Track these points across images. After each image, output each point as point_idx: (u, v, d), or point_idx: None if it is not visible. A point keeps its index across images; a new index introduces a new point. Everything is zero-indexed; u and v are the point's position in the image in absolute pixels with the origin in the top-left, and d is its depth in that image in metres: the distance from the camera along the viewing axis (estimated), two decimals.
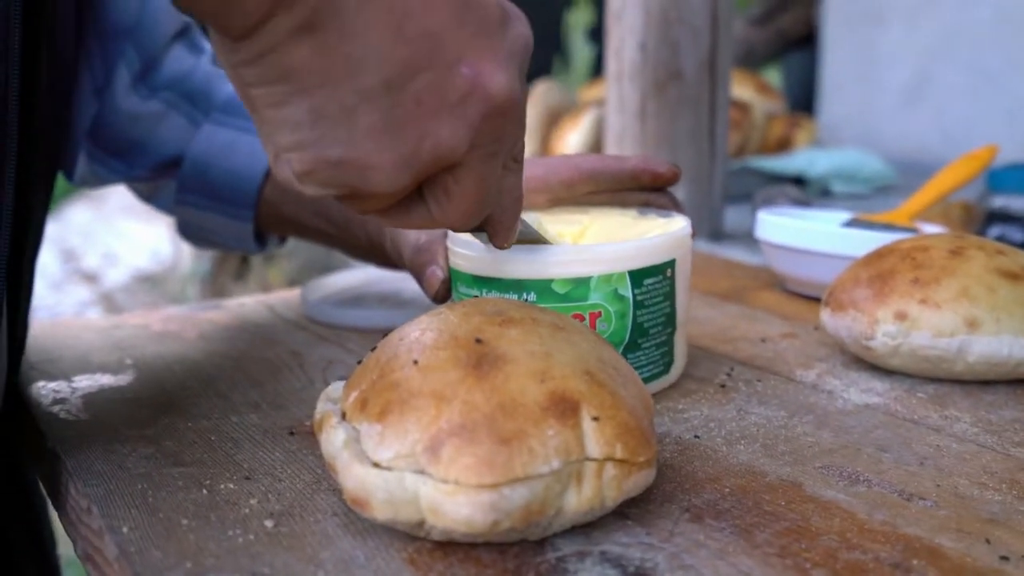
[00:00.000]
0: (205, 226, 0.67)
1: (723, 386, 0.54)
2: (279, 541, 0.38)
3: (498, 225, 0.43)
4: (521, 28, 0.38)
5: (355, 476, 0.36)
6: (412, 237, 0.55)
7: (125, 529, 0.38)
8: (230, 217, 0.65)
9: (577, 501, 0.36)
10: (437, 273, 0.53)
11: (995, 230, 0.81)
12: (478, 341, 0.37)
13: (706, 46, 0.92)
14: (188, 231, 0.69)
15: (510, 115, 0.37)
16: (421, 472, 0.35)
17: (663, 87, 0.91)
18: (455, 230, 0.43)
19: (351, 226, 0.61)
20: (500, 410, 0.35)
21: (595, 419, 0.36)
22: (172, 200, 0.67)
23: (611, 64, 0.94)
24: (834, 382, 0.54)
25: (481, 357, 0.37)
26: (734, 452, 0.45)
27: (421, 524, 0.35)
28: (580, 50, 2.52)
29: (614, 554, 0.36)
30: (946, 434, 0.47)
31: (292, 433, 0.48)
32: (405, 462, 0.35)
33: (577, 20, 2.49)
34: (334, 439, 0.38)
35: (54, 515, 0.54)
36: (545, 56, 2.54)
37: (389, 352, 0.39)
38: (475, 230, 0.44)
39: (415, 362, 0.37)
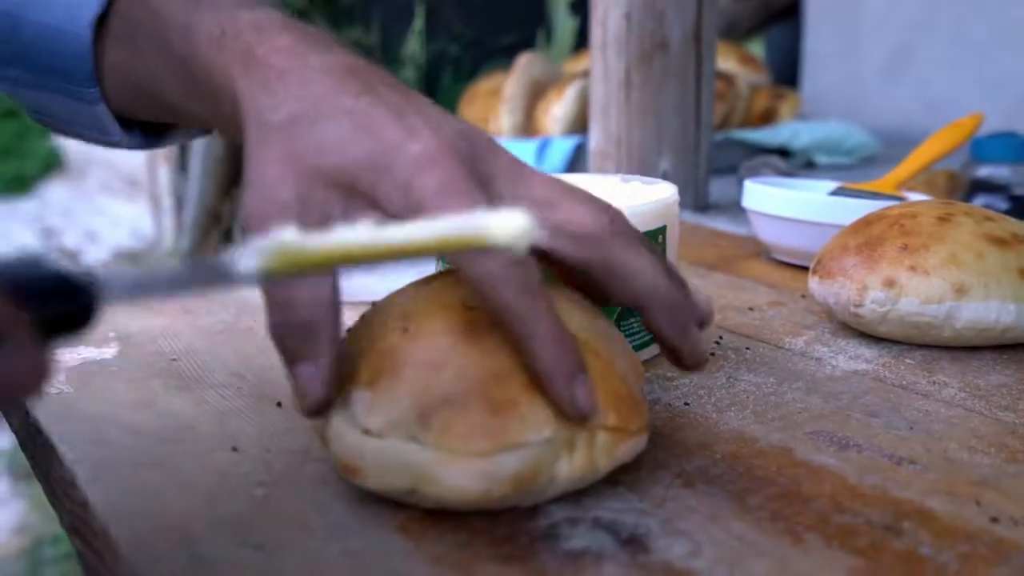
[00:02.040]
0: (42, 109, 0.50)
1: (712, 354, 0.54)
2: (270, 510, 0.37)
3: None
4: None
5: (346, 444, 0.35)
6: (272, 306, 0.36)
7: (112, 501, 0.38)
8: (66, 96, 0.47)
9: (569, 468, 0.36)
10: (315, 379, 0.36)
11: (980, 199, 0.81)
12: (468, 308, 0.37)
13: (692, 17, 0.91)
14: (34, 114, 0.52)
15: None
16: (413, 439, 0.34)
17: (648, 58, 0.91)
18: None
19: (210, 103, 0.41)
20: (492, 378, 0.35)
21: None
22: None
23: (596, 34, 0.94)
24: (822, 349, 0.54)
25: (472, 323, 0.36)
26: (724, 419, 0.45)
27: (412, 492, 0.35)
28: (563, 22, 2.50)
29: (606, 520, 0.36)
30: (935, 399, 0.47)
31: (279, 405, 0.48)
32: (396, 429, 0.35)
33: None
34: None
35: None
36: (528, 29, 2.52)
37: (377, 321, 0.38)
38: None
39: (405, 330, 0.37)
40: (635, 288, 0.39)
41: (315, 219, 0.35)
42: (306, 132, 0.36)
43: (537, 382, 0.35)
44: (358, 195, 0.36)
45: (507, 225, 0.27)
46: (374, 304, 0.41)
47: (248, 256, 0.26)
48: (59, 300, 0.24)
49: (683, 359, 0.41)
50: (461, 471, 0.34)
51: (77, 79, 0.46)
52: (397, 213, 0.35)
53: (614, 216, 0.40)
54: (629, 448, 0.38)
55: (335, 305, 0.36)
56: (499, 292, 0.34)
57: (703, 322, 0.42)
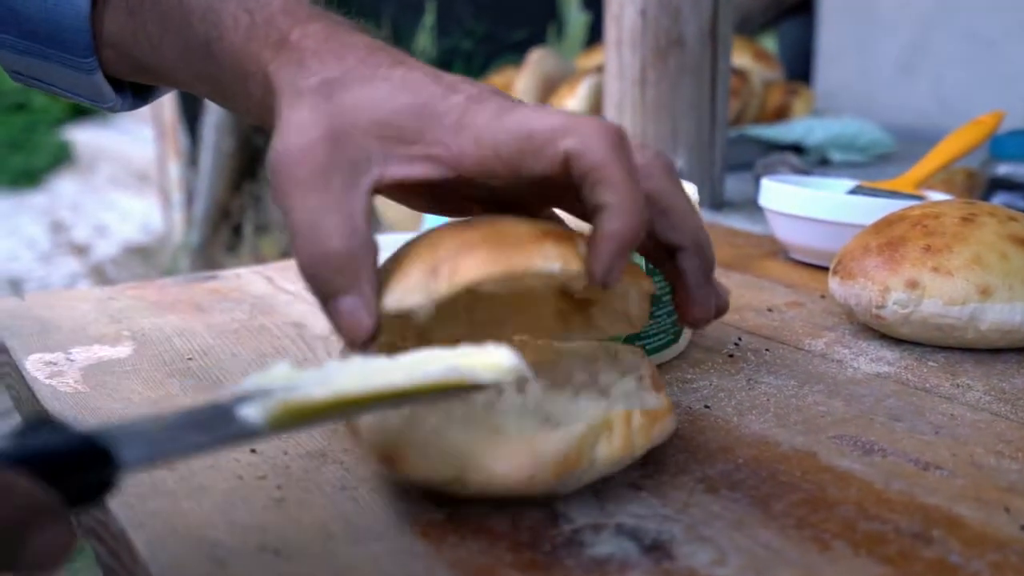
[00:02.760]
0: (34, 74, 0.49)
1: (731, 356, 0.53)
2: (288, 514, 0.37)
3: None
4: None
5: (387, 432, 0.35)
6: (309, 218, 0.35)
7: (131, 504, 0.38)
8: (63, 65, 0.46)
9: (609, 451, 0.36)
10: (360, 311, 0.35)
11: (999, 198, 0.80)
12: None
13: (707, 13, 0.90)
14: (18, 76, 0.50)
15: None
16: (427, 290, 0.35)
17: (663, 54, 0.90)
18: None
19: (229, 85, 0.42)
20: (496, 234, 0.36)
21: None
22: None
23: (610, 31, 0.93)
24: (843, 351, 0.54)
25: (474, 220, 0.38)
26: (746, 422, 0.45)
27: (455, 480, 0.35)
28: (575, 17, 2.49)
29: (629, 526, 0.36)
30: (959, 403, 0.46)
31: None
32: (408, 295, 0.35)
33: None
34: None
35: None
36: (539, 24, 2.51)
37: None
38: None
39: (409, 243, 0.38)
40: (684, 225, 0.39)
41: (345, 164, 0.36)
42: (342, 92, 0.37)
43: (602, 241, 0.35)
44: (400, 144, 0.36)
45: (493, 363, 0.30)
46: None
47: (253, 412, 0.28)
48: (83, 471, 0.25)
49: (696, 308, 0.40)
50: (505, 458, 0.34)
51: (74, 49, 0.46)
52: (447, 157, 0.36)
53: (658, 151, 0.40)
54: (663, 428, 0.38)
55: (371, 234, 0.36)
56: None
57: (719, 306, 0.42)
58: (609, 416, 0.36)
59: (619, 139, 0.36)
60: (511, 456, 0.34)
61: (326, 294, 0.36)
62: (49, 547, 0.23)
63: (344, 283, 0.35)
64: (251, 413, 0.27)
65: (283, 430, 0.29)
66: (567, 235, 0.37)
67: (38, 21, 0.45)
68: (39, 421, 0.25)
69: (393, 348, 0.39)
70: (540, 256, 0.35)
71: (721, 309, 0.41)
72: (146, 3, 0.43)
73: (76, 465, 0.24)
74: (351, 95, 0.36)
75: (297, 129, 0.36)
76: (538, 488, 0.35)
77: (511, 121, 0.36)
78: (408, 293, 0.35)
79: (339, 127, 0.36)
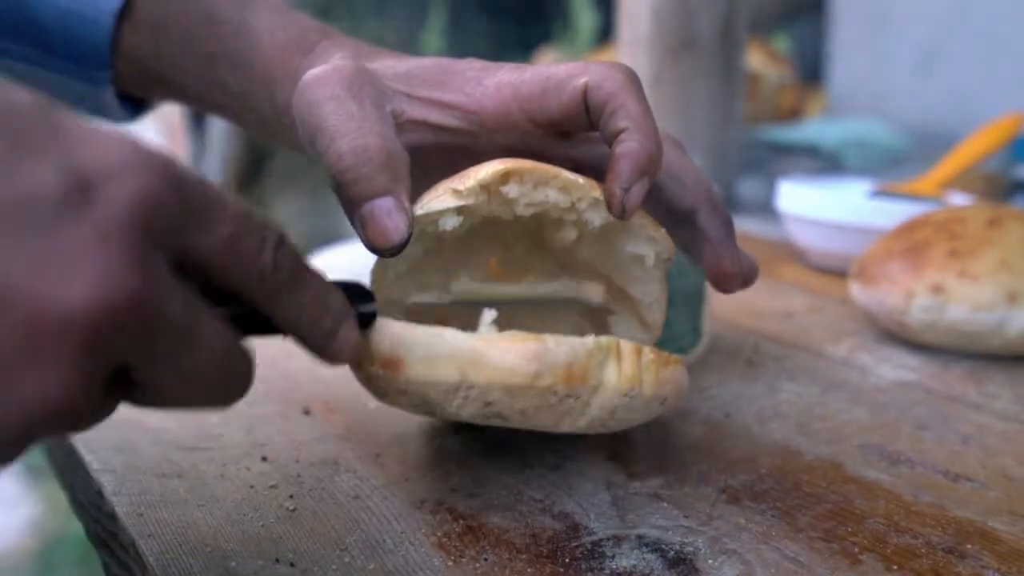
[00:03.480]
0: (40, 85, 0.46)
1: (750, 362, 0.52)
2: (302, 525, 0.36)
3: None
4: (118, 188, 0.24)
5: (390, 333, 0.33)
6: (338, 125, 0.36)
7: (141, 513, 0.37)
8: (75, 78, 0.46)
9: (617, 378, 0.34)
10: (395, 215, 0.34)
11: (1020, 201, 0.79)
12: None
13: (721, 13, 0.89)
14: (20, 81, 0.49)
15: (131, 326, 0.23)
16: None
17: (677, 55, 0.89)
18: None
19: (251, 94, 0.43)
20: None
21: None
22: None
23: (624, 31, 0.92)
24: (865, 358, 0.53)
25: None
26: (767, 431, 0.44)
27: (456, 388, 0.33)
28: (583, 18, 2.48)
29: (652, 538, 0.35)
30: (987, 412, 0.45)
31: (307, 413, 0.46)
32: (436, 201, 0.36)
33: None
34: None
35: None
36: (548, 23, 2.50)
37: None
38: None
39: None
40: (697, 187, 0.39)
41: (373, 91, 0.37)
42: (368, 60, 0.40)
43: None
44: (423, 87, 0.39)
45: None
46: None
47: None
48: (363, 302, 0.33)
49: (725, 261, 0.39)
50: (513, 350, 0.33)
51: (91, 63, 0.45)
52: (468, 103, 0.39)
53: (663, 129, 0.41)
54: (673, 373, 0.36)
55: (394, 138, 0.36)
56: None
57: (749, 269, 0.40)
58: (618, 344, 0.34)
59: (633, 76, 0.38)
60: (518, 348, 0.33)
61: (362, 195, 0.35)
62: (346, 343, 0.31)
63: (383, 182, 0.34)
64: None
65: None
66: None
67: (56, 33, 0.44)
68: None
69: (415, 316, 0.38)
70: (568, 175, 0.36)
71: (751, 272, 0.40)
72: (171, 21, 0.44)
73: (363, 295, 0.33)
74: (376, 62, 0.40)
75: (327, 64, 0.38)
76: (544, 396, 0.33)
77: (530, 71, 0.39)
78: (436, 200, 0.36)
79: (365, 69, 0.38)
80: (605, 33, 2.31)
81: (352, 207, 0.35)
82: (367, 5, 2.43)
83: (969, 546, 0.34)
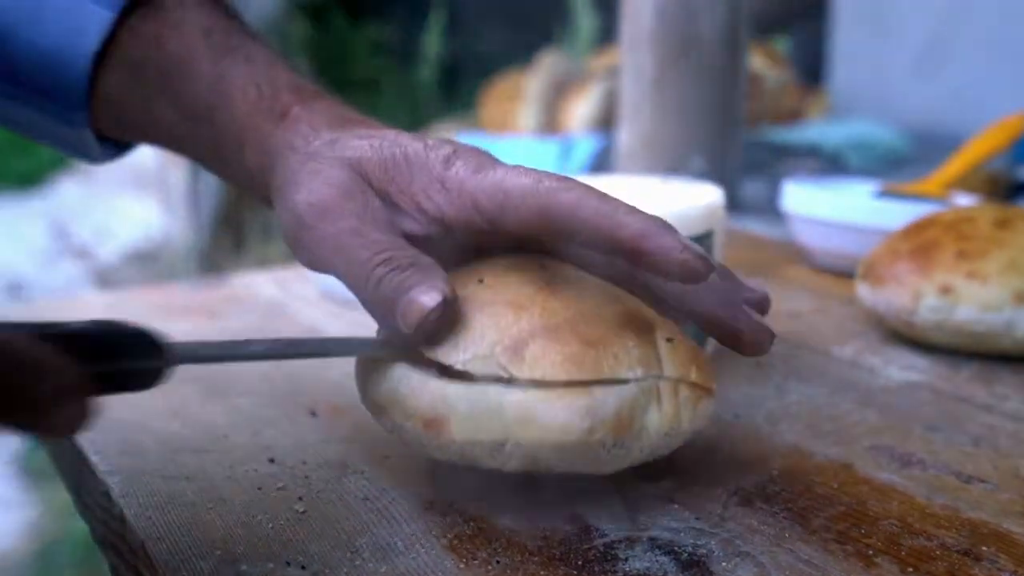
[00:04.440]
0: (18, 120, 0.47)
1: (759, 363, 0.52)
2: (311, 527, 0.36)
3: None
4: None
5: (432, 392, 0.33)
6: (364, 261, 0.36)
7: (149, 515, 0.37)
8: (51, 116, 0.45)
9: (659, 419, 0.34)
10: (434, 292, 0.34)
11: (1023, 201, 0.79)
12: (543, 266, 0.36)
13: (725, 13, 0.89)
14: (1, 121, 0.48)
15: None
16: (501, 378, 0.32)
17: (681, 55, 0.89)
18: None
19: (225, 152, 0.43)
20: (580, 317, 0.34)
21: (669, 341, 0.35)
22: None
23: (626, 31, 0.92)
24: (873, 358, 0.53)
25: (551, 277, 0.35)
26: (778, 432, 0.44)
27: (502, 446, 0.33)
28: (584, 19, 2.48)
29: (664, 540, 0.35)
30: (997, 413, 0.45)
31: (313, 414, 0.46)
32: (484, 363, 0.33)
33: None
34: (392, 371, 0.35)
35: None
36: (548, 25, 2.50)
37: None
38: None
39: (480, 281, 0.35)
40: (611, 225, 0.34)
41: (361, 204, 0.37)
42: (343, 146, 0.38)
43: (636, 252, 0.33)
44: (399, 194, 0.38)
45: None
46: None
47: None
48: (125, 357, 0.31)
49: (744, 332, 0.37)
50: (565, 408, 0.32)
51: (67, 103, 0.44)
52: (429, 211, 0.37)
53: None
54: (706, 408, 0.36)
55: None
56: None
57: (759, 303, 0.40)
58: (658, 383, 0.34)
59: (586, 187, 0.35)
60: (567, 407, 0.32)
61: (398, 293, 0.34)
62: (60, 416, 0.28)
63: (418, 278, 0.34)
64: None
65: None
66: (648, 323, 0.35)
67: (31, 70, 0.44)
68: (94, 321, 0.30)
69: None
70: (625, 357, 0.33)
71: (763, 306, 0.40)
72: (149, 66, 0.43)
73: (119, 352, 0.31)
74: (351, 147, 0.38)
75: (318, 181, 0.37)
76: (594, 449, 0.33)
77: (489, 177, 0.36)
78: (479, 356, 0.33)
79: (353, 177, 0.38)
80: (606, 34, 2.31)
81: (387, 313, 0.35)
82: (367, 7, 2.42)
83: (984, 548, 0.34)
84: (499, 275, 0.36)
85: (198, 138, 0.43)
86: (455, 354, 0.33)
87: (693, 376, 0.35)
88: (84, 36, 0.43)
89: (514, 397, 0.32)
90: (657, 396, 0.34)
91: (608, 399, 0.33)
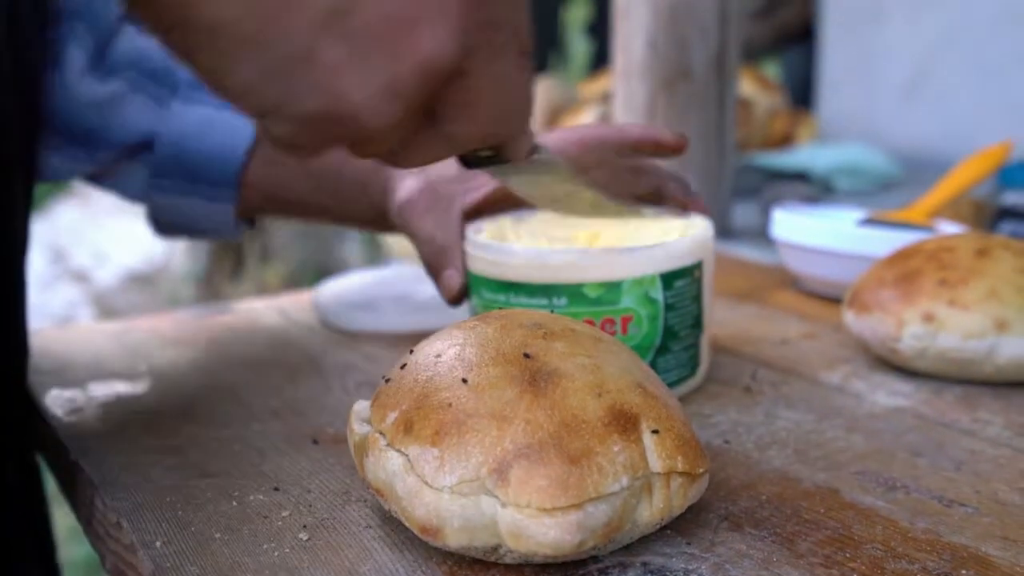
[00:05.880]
0: (182, 211, 0.62)
1: (748, 389, 0.54)
2: (316, 554, 0.37)
3: (514, 138, 0.37)
4: None
5: (426, 503, 0.34)
6: (428, 232, 0.55)
7: (158, 544, 0.38)
8: (209, 200, 0.61)
9: (649, 513, 0.35)
10: (455, 277, 0.54)
11: (1006, 227, 0.80)
12: (526, 356, 0.36)
13: (715, 43, 0.91)
14: (160, 219, 0.63)
15: None
16: (489, 496, 0.34)
17: (672, 85, 0.91)
18: (475, 147, 0.36)
19: (351, 197, 0.60)
20: (564, 428, 0.34)
21: (655, 432, 0.36)
22: (142, 186, 0.61)
23: (619, 61, 0.94)
24: (860, 384, 0.54)
25: (535, 373, 0.36)
26: (766, 458, 0.45)
27: (496, 549, 0.34)
28: (577, 46, 2.51)
29: (656, 565, 0.36)
30: (979, 438, 0.47)
31: (315, 442, 0.47)
32: (470, 487, 0.34)
33: (574, 16, 2.48)
34: (388, 464, 0.36)
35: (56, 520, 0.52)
36: (541, 50, 2.53)
37: (427, 370, 0.37)
38: (489, 161, 0.38)
39: (464, 380, 0.36)
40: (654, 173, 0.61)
41: (443, 201, 0.56)
42: (428, 169, 0.56)
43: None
44: (464, 184, 0.57)
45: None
46: (413, 343, 0.41)
47: None
48: None
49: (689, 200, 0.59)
50: (556, 525, 0.33)
51: (222, 186, 0.60)
52: (436, 240, 0.55)
53: None
54: (699, 488, 0.37)
55: (461, 239, 0.54)
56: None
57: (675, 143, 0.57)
58: (648, 479, 0.35)
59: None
60: (558, 523, 0.33)
61: (438, 269, 0.55)
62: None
63: (447, 261, 0.54)
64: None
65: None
66: (633, 417, 0.36)
67: (198, 169, 0.60)
68: None
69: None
70: (610, 468, 0.34)
71: (680, 144, 0.56)
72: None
73: None
74: (433, 169, 0.56)
75: (410, 185, 0.56)
76: (584, 554, 0.35)
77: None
78: (465, 480, 0.34)
79: (433, 181, 0.56)
80: (599, 60, 2.33)
81: (434, 277, 0.55)
82: None
83: (964, 572, 0.35)
84: (482, 371, 0.36)
85: (328, 192, 0.60)
86: (442, 477, 0.34)
87: (680, 466, 0.36)
88: (239, 139, 0.59)
89: (506, 513, 0.33)
90: (648, 491, 0.35)
91: (598, 511, 0.34)
